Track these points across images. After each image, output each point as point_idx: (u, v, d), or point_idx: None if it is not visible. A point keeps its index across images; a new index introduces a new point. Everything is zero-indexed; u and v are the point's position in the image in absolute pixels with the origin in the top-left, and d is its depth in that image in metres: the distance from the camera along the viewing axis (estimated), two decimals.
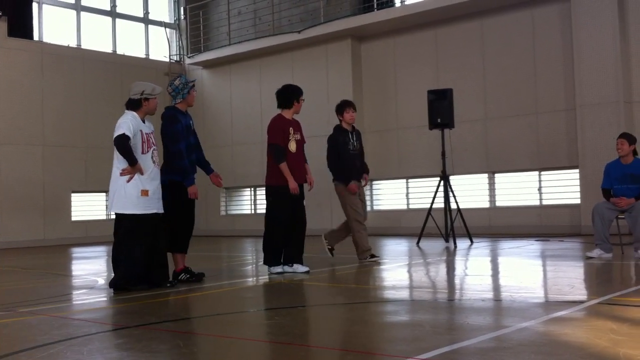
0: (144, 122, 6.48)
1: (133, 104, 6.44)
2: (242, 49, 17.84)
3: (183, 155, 6.74)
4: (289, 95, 7.63)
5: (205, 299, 6.11)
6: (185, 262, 7.04)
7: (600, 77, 12.81)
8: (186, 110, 6.97)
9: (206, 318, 5.14)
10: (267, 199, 7.65)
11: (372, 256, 8.72)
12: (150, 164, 6.41)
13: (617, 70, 12.70)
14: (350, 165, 8.67)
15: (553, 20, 13.80)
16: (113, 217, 6.50)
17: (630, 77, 12.89)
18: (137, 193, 6.28)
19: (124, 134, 6.19)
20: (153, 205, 6.41)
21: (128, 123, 6.27)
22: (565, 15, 13.52)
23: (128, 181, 6.27)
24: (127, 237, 6.31)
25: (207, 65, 18.99)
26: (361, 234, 8.73)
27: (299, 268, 7.52)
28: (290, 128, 7.51)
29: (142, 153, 6.36)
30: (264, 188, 7.72)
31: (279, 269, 7.52)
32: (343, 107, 8.81)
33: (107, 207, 16.29)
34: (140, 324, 4.62)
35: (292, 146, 7.46)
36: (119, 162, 6.33)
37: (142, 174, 6.31)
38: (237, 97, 18.49)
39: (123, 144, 6.19)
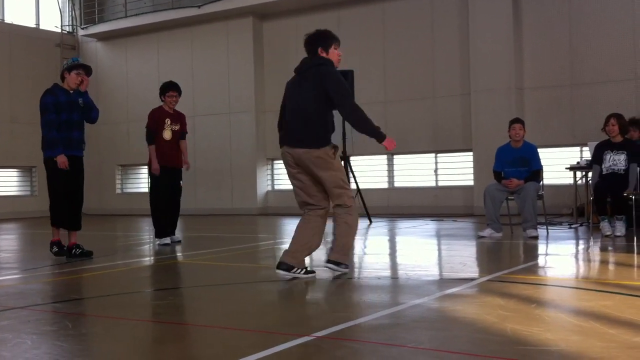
0: None
1: None
2: (139, 22, 17.26)
3: (50, 127, 6.86)
4: (159, 92, 8.52)
5: (99, 280, 5.91)
6: (77, 241, 7.09)
7: (494, 64, 13.28)
8: (75, 89, 7.01)
9: (98, 299, 4.96)
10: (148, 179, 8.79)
11: None
12: None
13: (510, 58, 13.20)
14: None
15: (451, 7, 14.12)
16: None
17: (522, 65, 13.42)
18: None
19: None
20: None
21: None
22: (462, 2, 13.87)
23: None
24: None
25: (102, 37, 18.27)
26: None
27: (173, 238, 8.48)
28: (168, 119, 8.37)
29: None
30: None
31: (167, 240, 8.34)
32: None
33: None
34: (28, 305, 4.40)
35: (167, 134, 8.28)
36: None
37: None
38: (134, 72, 17.89)
39: None
